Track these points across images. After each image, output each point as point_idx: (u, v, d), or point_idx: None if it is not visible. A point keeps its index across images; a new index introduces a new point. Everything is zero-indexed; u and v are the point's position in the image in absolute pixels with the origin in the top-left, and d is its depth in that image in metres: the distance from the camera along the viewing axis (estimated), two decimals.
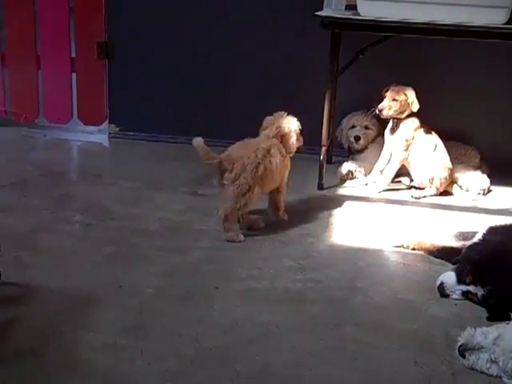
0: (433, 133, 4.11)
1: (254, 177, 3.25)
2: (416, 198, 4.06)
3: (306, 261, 3.13)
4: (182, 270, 2.99)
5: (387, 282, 2.98)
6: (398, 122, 4.07)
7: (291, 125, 3.49)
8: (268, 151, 3.34)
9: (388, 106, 4.02)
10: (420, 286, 2.93)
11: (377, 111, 4.06)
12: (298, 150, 3.56)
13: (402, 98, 4.00)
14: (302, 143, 3.55)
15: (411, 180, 4.22)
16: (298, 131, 3.51)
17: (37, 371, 2.22)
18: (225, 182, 3.26)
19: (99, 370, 2.24)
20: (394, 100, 4.02)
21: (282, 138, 3.46)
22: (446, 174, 4.07)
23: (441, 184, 4.07)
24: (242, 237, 3.32)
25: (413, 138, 4.06)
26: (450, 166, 4.10)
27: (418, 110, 4.09)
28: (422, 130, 4.08)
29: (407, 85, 4.07)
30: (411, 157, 4.10)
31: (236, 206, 3.25)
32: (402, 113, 4.04)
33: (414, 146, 4.07)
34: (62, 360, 2.28)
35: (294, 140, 3.47)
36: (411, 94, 4.01)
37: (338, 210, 3.81)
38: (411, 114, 4.06)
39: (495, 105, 4.52)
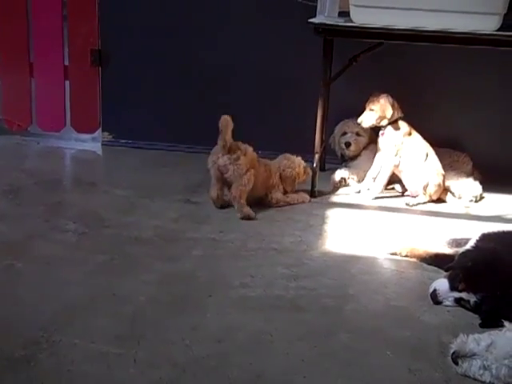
0: (423, 141, 4.12)
1: (248, 163, 3.68)
2: (410, 205, 4.06)
3: (299, 268, 3.13)
4: (175, 278, 2.99)
5: (380, 289, 2.98)
6: (385, 128, 4.10)
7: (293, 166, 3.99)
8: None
9: (366, 117, 4.09)
10: (413, 293, 2.94)
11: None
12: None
13: (377, 106, 4.05)
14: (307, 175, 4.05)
15: (403, 188, 4.23)
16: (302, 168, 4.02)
17: (29, 380, 2.21)
18: (226, 162, 3.66)
19: (92, 378, 2.24)
20: (370, 110, 4.07)
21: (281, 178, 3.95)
22: (439, 180, 4.08)
23: (435, 191, 4.07)
24: (253, 214, 3.70)
25: (402, 143, 4.08)
26: (443, 172, 4.11)
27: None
28: (411, 135, 4.10)
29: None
30: (403, 166, 4.11)
31: (242, 182, 3.64)
32: (382, 120, 4.08)
33: (404, 155, 4.08)
34: (54, 368, 2.27)
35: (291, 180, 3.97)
36: (384, 101, 4.04)
37: (331, 218, 3.81)
38: (398, 120, 4.09)
39: (487, 112, 4.54)
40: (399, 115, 4.09)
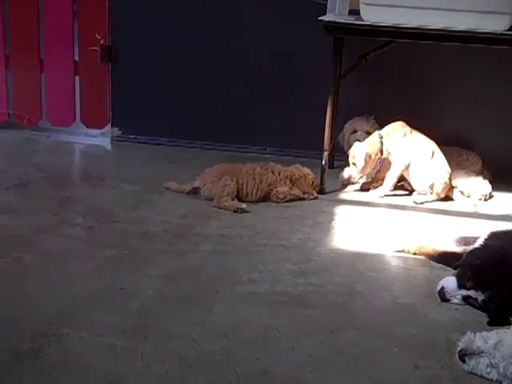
0: (428, 140, 4.10)
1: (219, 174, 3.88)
2: (417, 203, 4.05)
3: (307, 265, 3.13)
4: (182, 273, 2.99)
5: (388, 286, 2.98)
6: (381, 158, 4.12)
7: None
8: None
9: (351, 172, 4.11)
10: (420, 291, 2.93)
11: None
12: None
13: (355, 161, 4.06)
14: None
15: (410, 186, 4.21)
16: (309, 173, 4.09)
17: (37, 373, 2.22)
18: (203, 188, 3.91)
19: (99, 371, 2.24)
20: (353, 164, 4.09)
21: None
22: (445, 178, 4.06)
23: (442, 189, 4.06)
24: (243, 205, 3.76)
25: (406, 143, 4.05)
26: (449, 170, 4.09)
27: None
28: (413, 134, 4.07)
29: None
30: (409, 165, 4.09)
31: (223, 193, 3.78)
32: (369, 167, 4.09)
33: (410, 154, 4.06)
34: (62, 362, 2.28)
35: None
36: (358, 153, 4.03)
37: (340, 215, 3.81)
38: (394, 124, 4.08)
39: (497, 111, 4.53)
40: (379, 140, 4.06)
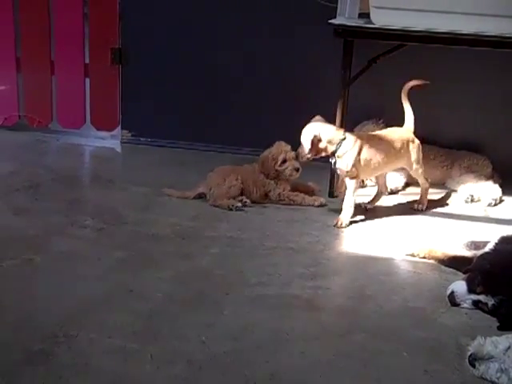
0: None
1: (223, 175, 3.91)
2: (418, 210, 3.98)
3: (317, 268, 3.13)
4: (192, 275, 3.00)
5: (397, 290, 2.97)
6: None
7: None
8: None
9: (301, 152, 3.71)
10: (430, 295, 2.93)
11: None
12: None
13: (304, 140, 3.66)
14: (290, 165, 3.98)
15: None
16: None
17: (47, 373, 2.23)
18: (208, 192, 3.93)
19: (109, 373, 2.25)
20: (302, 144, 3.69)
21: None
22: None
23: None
24: (238, 203, 3.81)
25: (359, 154, 3.65)
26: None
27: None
28: (366, 144, 3.68)
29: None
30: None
31: (224, 190, 3.84)
32: (320, 153, 3.67)
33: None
34: (72, 363, 2.29)
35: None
36: (306, 138, 3.64)
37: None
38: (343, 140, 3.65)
39: (508, 115, 4.51)
40: (340, 139, 3.63)
